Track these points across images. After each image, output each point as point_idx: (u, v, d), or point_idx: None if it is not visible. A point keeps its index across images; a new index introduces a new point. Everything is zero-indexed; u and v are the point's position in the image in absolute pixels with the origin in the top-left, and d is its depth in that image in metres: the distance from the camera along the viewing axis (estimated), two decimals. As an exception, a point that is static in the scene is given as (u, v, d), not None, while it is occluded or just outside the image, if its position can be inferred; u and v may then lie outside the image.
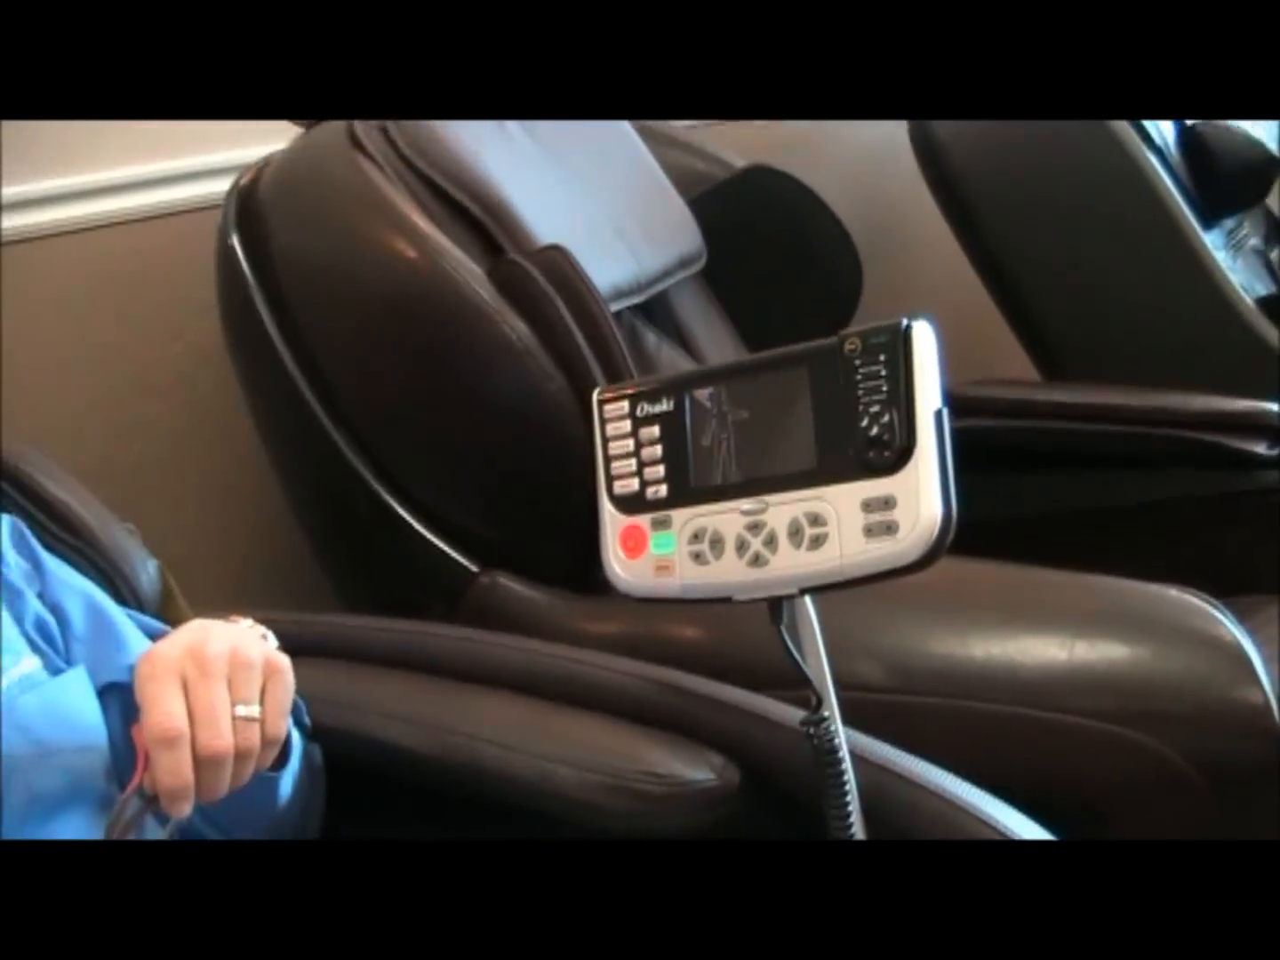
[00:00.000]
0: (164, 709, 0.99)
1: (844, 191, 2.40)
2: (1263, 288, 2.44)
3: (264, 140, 1.96)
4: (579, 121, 1.99)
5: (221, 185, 1.93)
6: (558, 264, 1.62)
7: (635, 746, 1.22)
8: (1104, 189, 2.30)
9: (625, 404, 1.17)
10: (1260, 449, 1.90)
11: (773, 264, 2.21)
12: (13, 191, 1.86)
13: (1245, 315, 2.23)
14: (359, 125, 1.70)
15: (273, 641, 1.10)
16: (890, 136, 2.57)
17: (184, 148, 2.02)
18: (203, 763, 0.99)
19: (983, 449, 1.69)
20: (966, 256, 2.46)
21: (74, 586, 1.27)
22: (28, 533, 1.29)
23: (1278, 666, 1.43)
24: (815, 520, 1.07)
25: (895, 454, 1.03)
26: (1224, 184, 2.41)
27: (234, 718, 1.01)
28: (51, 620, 1.23)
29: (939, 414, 1.04)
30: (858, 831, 1.14)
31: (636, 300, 1.91)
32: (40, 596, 1.24)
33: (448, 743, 1.25)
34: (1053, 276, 2.38)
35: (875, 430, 1.04)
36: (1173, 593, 1.49)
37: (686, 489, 1.13)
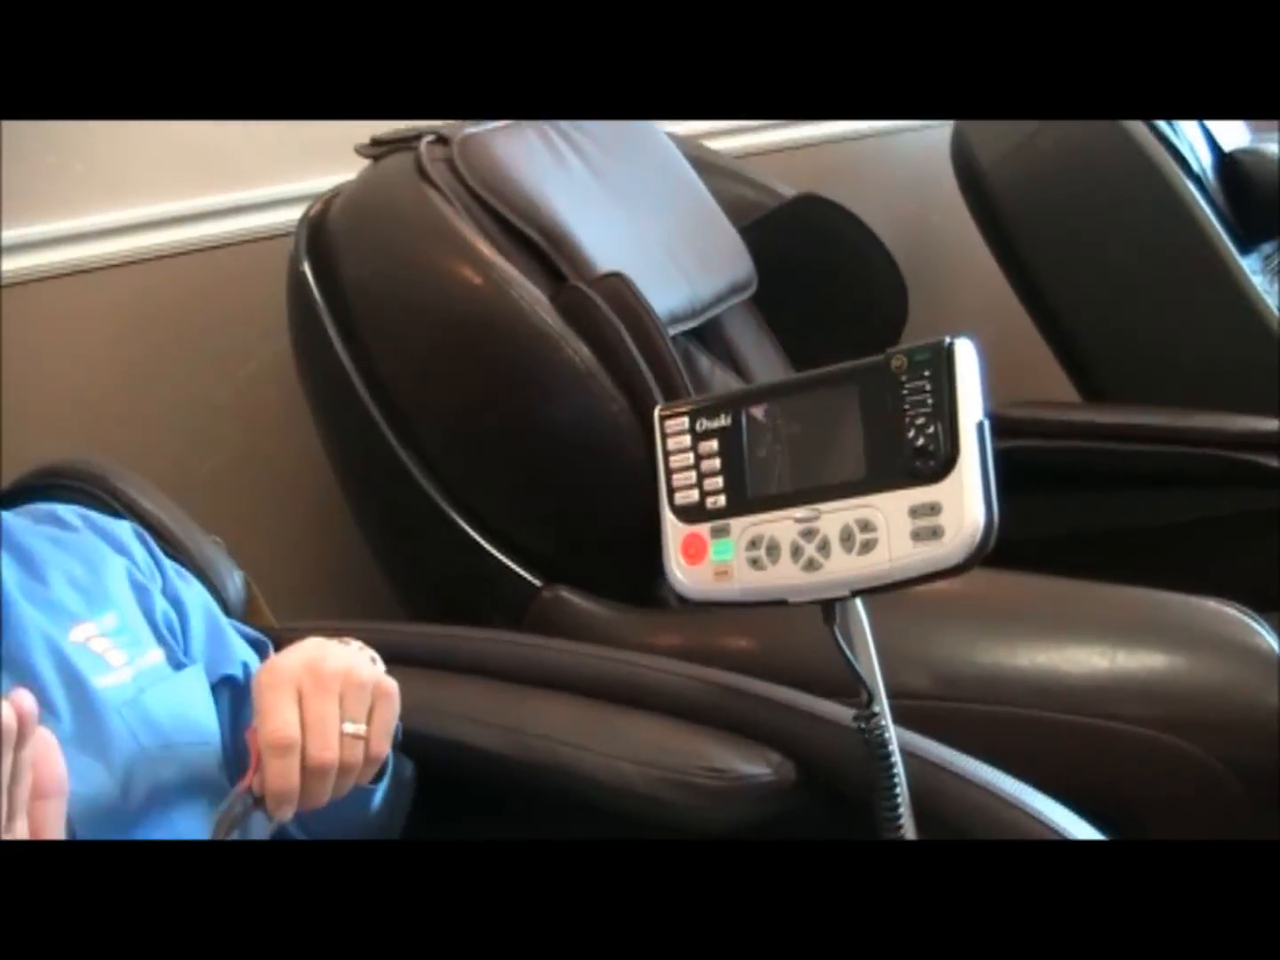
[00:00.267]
0: (280, 718, 1.08)
1: (888, 218, 2.48)
2: (1299, 311, 2.50)
3: (329, 171, 2.07)
4: (633, 150, 2.08)
5: (288, 215, 2.04)
6: (619, 290, 1.71)
7: (696, 744, 1.30)
8: (1142, 215, 2.38)
9: (685, 420, 1.25)
10: (1299, 468, 1.97)
11: (821, 290, 2.29)
12: (91, 221, 1.96)
13: (1282, 337, 2.30)
14: (426, 157, 1.80)
15: (381, 665, 1.18)
16: (933, 164, 2.65)
17: (253, 179, 2.13)
18: (309, 772, 1.08)
19: (1025, 469, 1.76)
20: (1007, 280, 2.54)
21: (189, 589, 1.38)
22: (148, 536, 1.39)
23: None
24: (865, 526, 1.15)
25: (940, 463, 1.12)
26: (1261, 210, 2.48)
27: (342, 733, 1.09)
28: (174, 615, 1.33)
29: (980, 425, 1.13)
30: (906, 823, 1.22)
31: (691, 325, 1.99)
32: (163, 592, 1.34)
33: (521, 743, 1.34)
34: (1092, 300, 2.46)
35: (921, 441, 1.13)
36: (1211, 604, 1.57)
37: (744, 499, 1.22)
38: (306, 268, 1.83)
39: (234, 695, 1.33)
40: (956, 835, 1.22)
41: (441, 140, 1.84)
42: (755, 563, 1.21)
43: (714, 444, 1.24)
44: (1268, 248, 2.56)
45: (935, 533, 1.12)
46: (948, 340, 1.14)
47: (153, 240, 2.03)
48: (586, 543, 1.76)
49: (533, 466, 1.74)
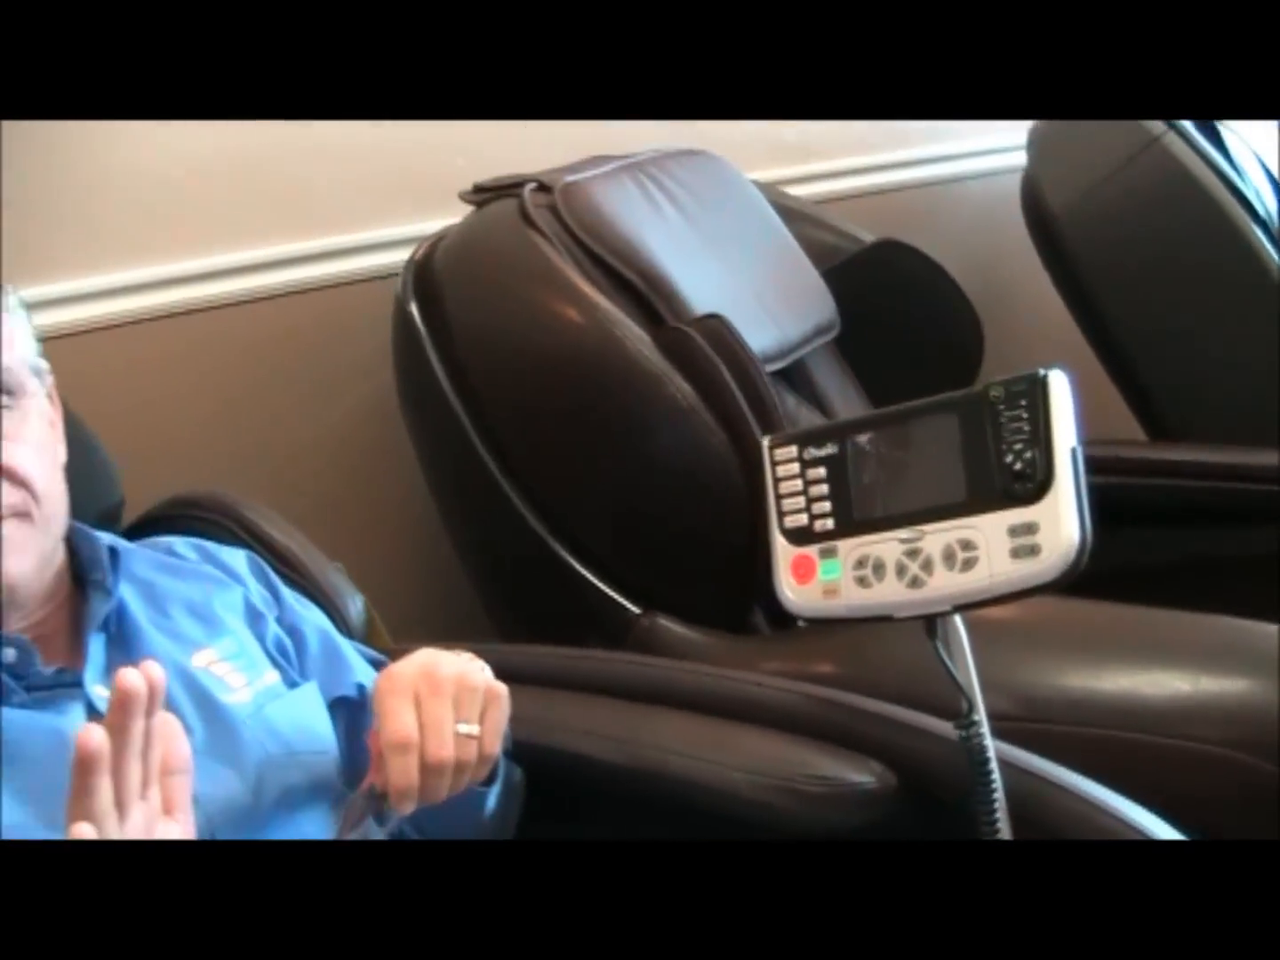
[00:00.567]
0: (400, 719, 1.18)
1: (958, 261, 2.59)
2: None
3: (424, 218, 2.21)
4: (721, 196, 2.21)
5: (382, 259, 2.20)
6: (718, 331, 1.83)
7: (802, 754, 1.41)
8: (1210, 259, 2.46)
9: (794, 448, 1.37)
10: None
11: (900, 332, 2.40)
12: (200, 264, 2.10)
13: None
14: (530, 203, 1.92)
15: (489, 672, 1.28)
16: (1001, 208, 2.77)
17: (349, 224, 2.26)
18: (427, 769, 1.18)
19: (1103, 505, 1.86)
20: (1075, 321, 2.64)
21: (307, 614, 1.50)
22: (264, 565, 1.52)
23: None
24: (966, 545, 1.26)
25: (1037, 486, 1.23)
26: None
27: (457, 734, 1.20)
28: (289, 641, 1.46)
29: (1074, 451, 1.24)
30: (1003, 827, 1.32)
31: (779, 366, 2.10)
32: (278, 620, 1.46)
33: (635, 754, 1.45)
34: (1160, 342, 2.53)
35: (1019, 465, 1.24)
36: (1288, 630, 1.67)
37: (850, 522, 1.33)
38: (414, 308, 1.95)
39: (349, 714, 1.44)
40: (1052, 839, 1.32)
41: (543, 188, 1.97)
42: (862, 581, 1.31)
43: (821, 471, 1.35)
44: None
45: (1033, 550, 1.23)
46: (1042, 372, 1.25)
47: (255, 283, 2.17)
48: (685, 572, 1.87)
49: (634, 499, 1.86)
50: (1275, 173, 2.67)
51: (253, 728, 1.32)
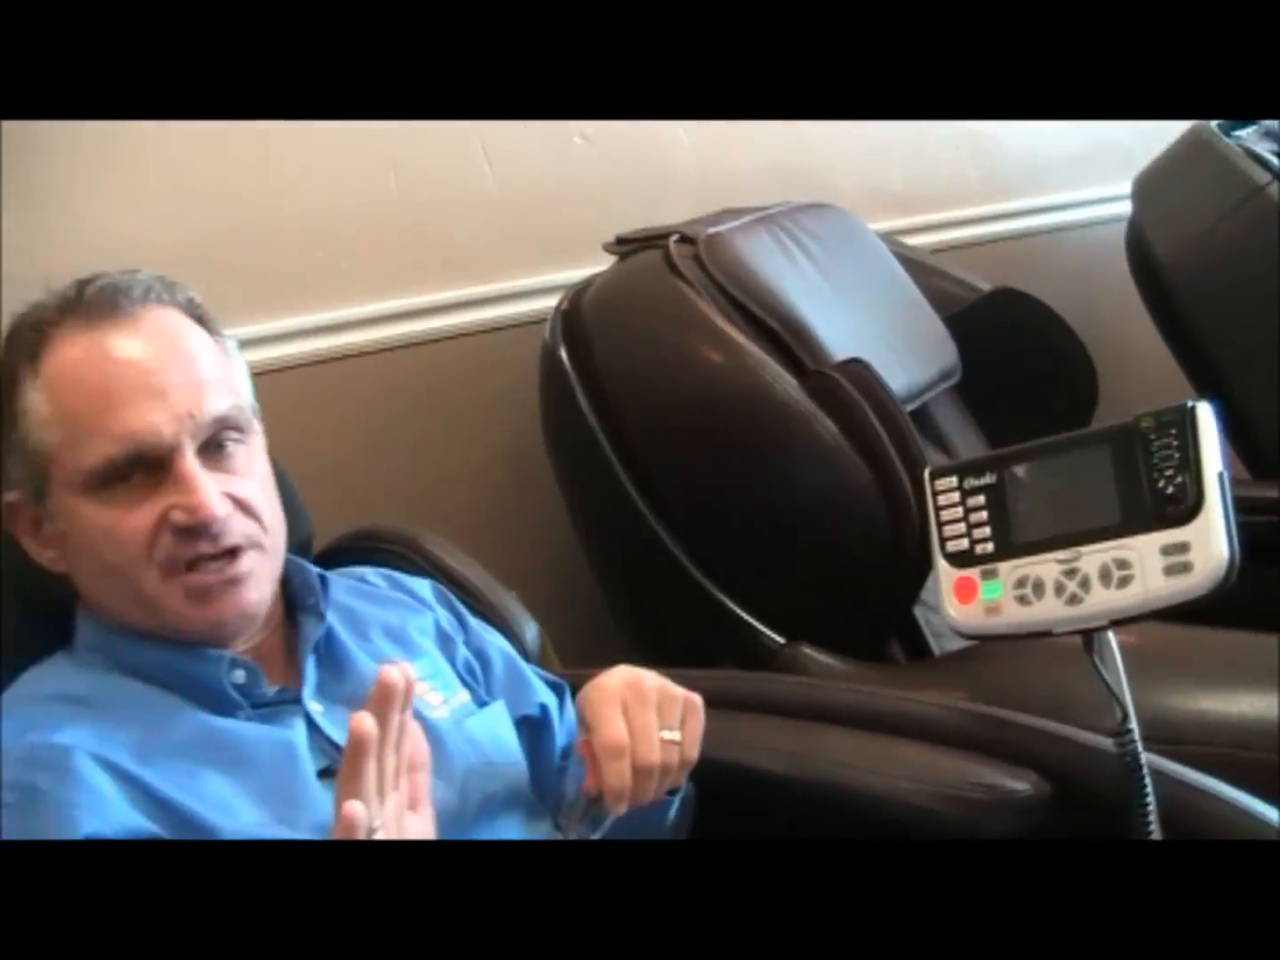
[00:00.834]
0: (613, 726, 1.32)
1: (1060, 307, 2.74)
2: None
3: (556, 268, 2.39)
4: (848, 246, 2.37)
5: (518, 307, 2.40)
6: (862, 375, 1.99)
7: (963, 764, 1.54)
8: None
9: (954, 479, 1.51)
10: None
11: (1018, 377, 2.54)
12: (351, 312, 2.27)
13: None
14: (675, 253, 2.08)
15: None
16: (1102, 254, 2.91)
17: (487, 274, 2.44)
18: (638, 772, 1.32)
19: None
20: (1180, 364, 2.77)
21: (491, 638, 1.64)
22: (448, 593, 1.67)
23: None
24: (1122, 564, 1.40)
25: (1188, 508, 1.37)
26: None
27: (661, 739, 1.34)
28: (476, 664, 1.60)
29: (1220, 475, 1.38)
30: (1155, 830, 1.45)
31: (907, 409, 2.25)
32: (465, 644, 1.61)
33: (805, 766, 1.59)
34: (1264, 383, 2.65)
35: (1170, 490, 1.38)
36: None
37: (1010, 545, 1.46)
38: (563, 353, 2.11)
39: (532, 732, 1.58)
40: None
41: (686, 239, 2.13)
42: (1022, 599, 1.45)
43: (980, 499, 1.49)
44: None
45: (1186, 568, 1.36)
46: (1191, 404, 1.39)
47: (402, 330, 2.35)
48: (828, 603, 2.02)
49: (781, 533, 2.01)
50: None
51: (455, 739, 1.45)
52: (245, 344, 2.06)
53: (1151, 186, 2.76)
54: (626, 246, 2.19)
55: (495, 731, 1.52)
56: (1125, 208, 2.88)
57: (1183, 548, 1.37)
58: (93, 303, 1.38)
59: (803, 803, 1.59)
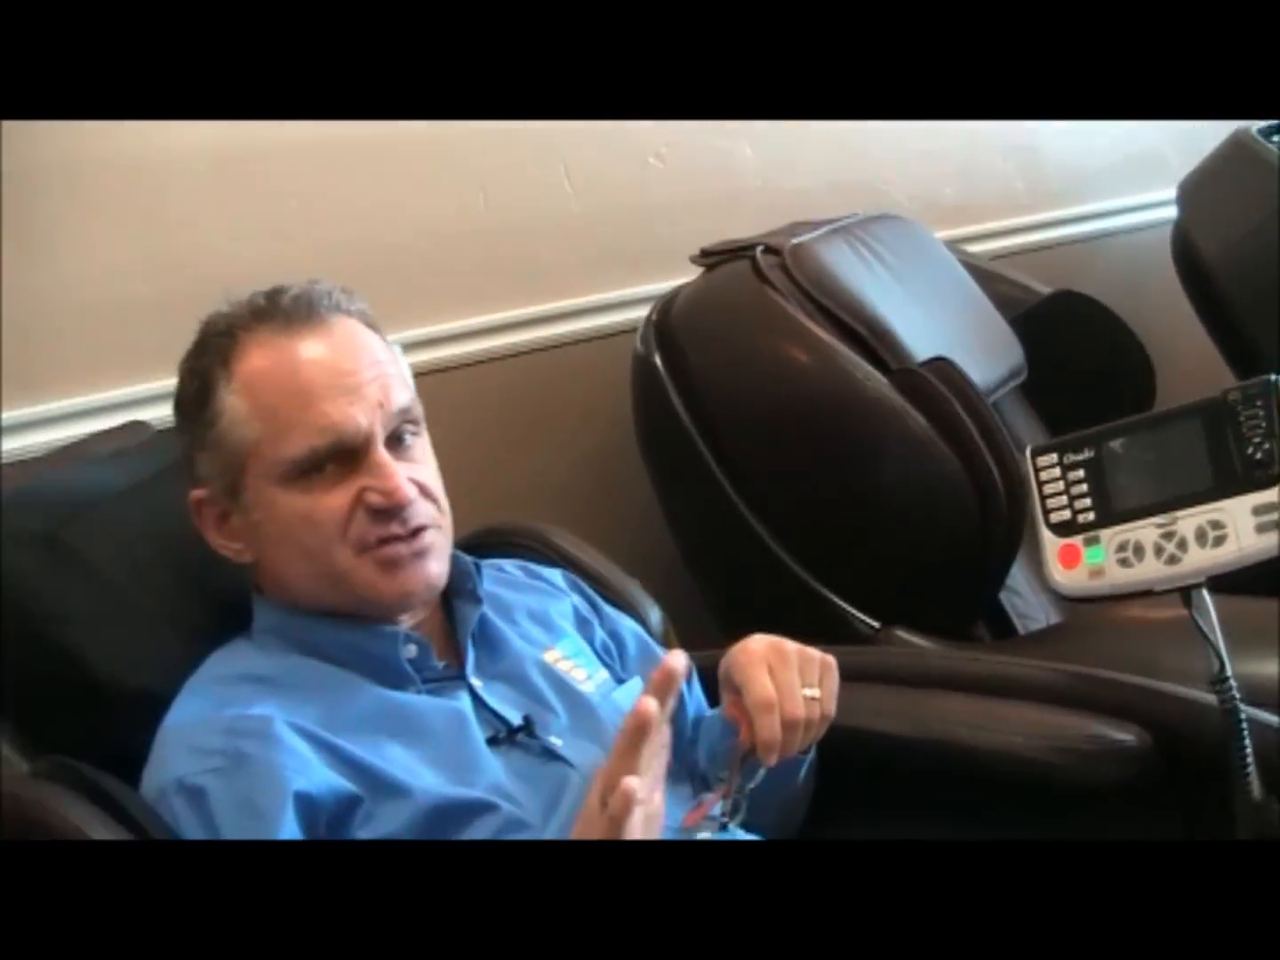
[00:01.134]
0: (762, 684, 1.48)
1: (1116, 308, 2.91)
2: None
3: (636, 283, 2.60)
4: (918, 253, 2.55)
5: (598, 321, 2.60)
6: (947, 371, 2.17)
7: (1070, 719, 1.70)
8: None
9: (1054, 455, 1.68)
10: None
11: (1079, 376, 2.72)
12: (442, 328, 2.46)
13: None
14: (762, 261, 2.26)
15: None
16: (1150, 257, 3.10)
17: (567, 290, 2.63)
18: (785, 726, 1.47)
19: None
20: (1226, 360, 2.93)
21: (624, 622, 1.81)
22: (579, 581, 1.84)
23: None
24: (1216, 525, 1.57)
25: (1277, 470, 1.54)
26: None
27: (804, 696, 1.49)
28: (612, 644, 1.76)
29: (1304, 440, 1.55)
30: (1253, 775, 1.61)
31: (983, 405, 2.43)
32: (601, 626, 1.78)
33: (925, 728, 1.75)
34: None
35: (1259, 455, 1.55)
36: None
37: (1110, 513, 1.63)
38: (657, 360, 2.29)
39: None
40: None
41: (771, 250, 2.31)
42: (1124, 562, 1.62)
43: (1080, 472, 1.65)
44: None
45: (1277, 525, 1.54)
46: (1274, 377, 1.57)
47: (490, 344, 2.54)
48: (919, 588, 2.18)
49: (874, 523, 2.18)
50: None
51: (605, 710, 1.62)
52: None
53: (1196, 190, 2.93)
54: (713, 258, 2.37)
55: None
56: (1166, 213, 3.06)
57: (1272, 507, 1.54)
58: (287, 310, 1.55)
59: (921, 762, 1.74)
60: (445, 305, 2.47)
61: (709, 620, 2.38)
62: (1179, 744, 1.69)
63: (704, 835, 1.49)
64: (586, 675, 1.67)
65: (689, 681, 1.77)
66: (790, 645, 1.52)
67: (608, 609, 1.81)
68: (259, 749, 1.42)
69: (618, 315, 2.61)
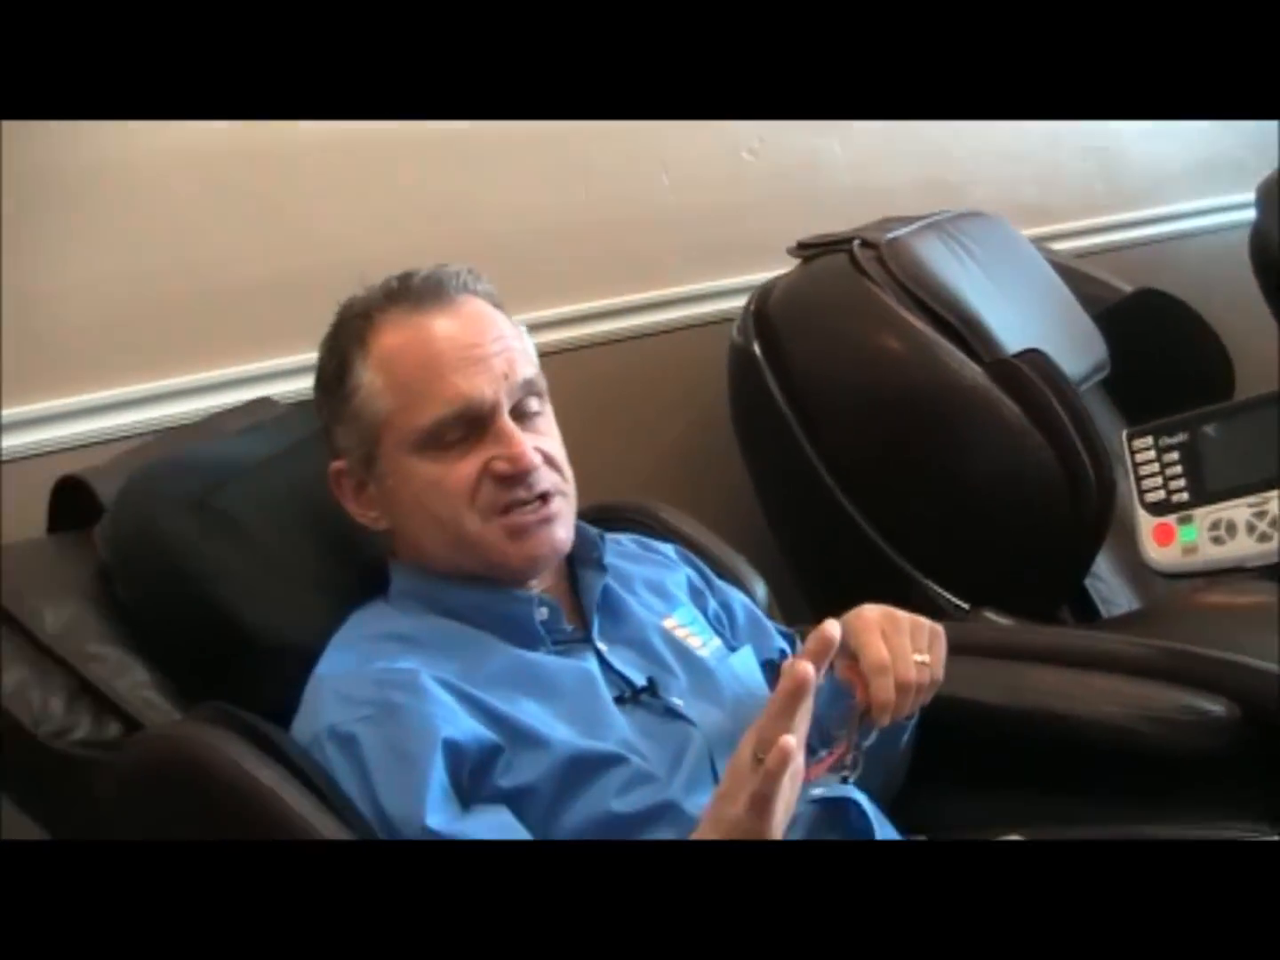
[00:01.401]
0: (878, 648, 1.57)
1: (1197, 306, 3.03)
2: None
3: (730, 274, 2.74)
4: (1006, 249, 2.67)
5: (692, 310, 2.74)
6: (1041, 363, 2.29)
7: (1160, 690, 1.81)
8: None
9: (1150, 438, 1.81)
10: None
11: (1161, 371, 2.83)
12: (543, 314, 2.57)
13: None
14: (859, 254, 2.39)
15: None
16: (1226, 259, 3.21)
17: (663, 279, 2.77)
18: (899, 688, 1.57)
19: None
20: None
21: (734, 594, 1.94)
22: (690, 554, 1.96)
23: None
24: (1307, 504, 1.70)
25: (1362, 454, 1.67)
26: None
27: (915, 661, 1.59)
28: (723, 614, 1.88)
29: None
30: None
31: (1069, 398, 2.55)
32: (712, 597, 1.90)
33: (1019, 698, 1.86)
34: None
35: (1348, 439, 1.68)
36: None
37: (1203, 493, 1.76)
38: (756, 348, 2.42)
39: (774, 673, 1.83)
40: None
41: (867, 244, 2.44)
42: (1216, 540, 1.74)
43: (1175, 455, 1.78)
44: None
45: (1364, 504, 1.66)
46: (1356, 367, 1.70)
47: (588, 330, 2.68)
48: (1008, 571, 2.30)
49: (966, 507, 2.29)
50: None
51: (722, 674, 1.73)
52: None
53: (1275, 192, 3.04)
54: (810, 251, 2.50)
55: (749, 670, 1.79)
56: (1242, 215, 3.18)
57: (1360, 488, 1.66)
58: (418, 291, 1.68)
59: (1014, 729, 1.85)
60: (545, 292, 2.59)
61: (799, 600, 2.49)
62: (1266, 717, 1.78)
63: (819, 791, 1.60)
64: (702, 643, 1.77)
65: (794, 651, 1.88)
66: (902, 613, 1.62)
67: (719, 581, 1.92)
68: (408, 699, 1.54)
69: (709, 305, 2.74)
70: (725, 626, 1.87)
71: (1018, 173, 3.25)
